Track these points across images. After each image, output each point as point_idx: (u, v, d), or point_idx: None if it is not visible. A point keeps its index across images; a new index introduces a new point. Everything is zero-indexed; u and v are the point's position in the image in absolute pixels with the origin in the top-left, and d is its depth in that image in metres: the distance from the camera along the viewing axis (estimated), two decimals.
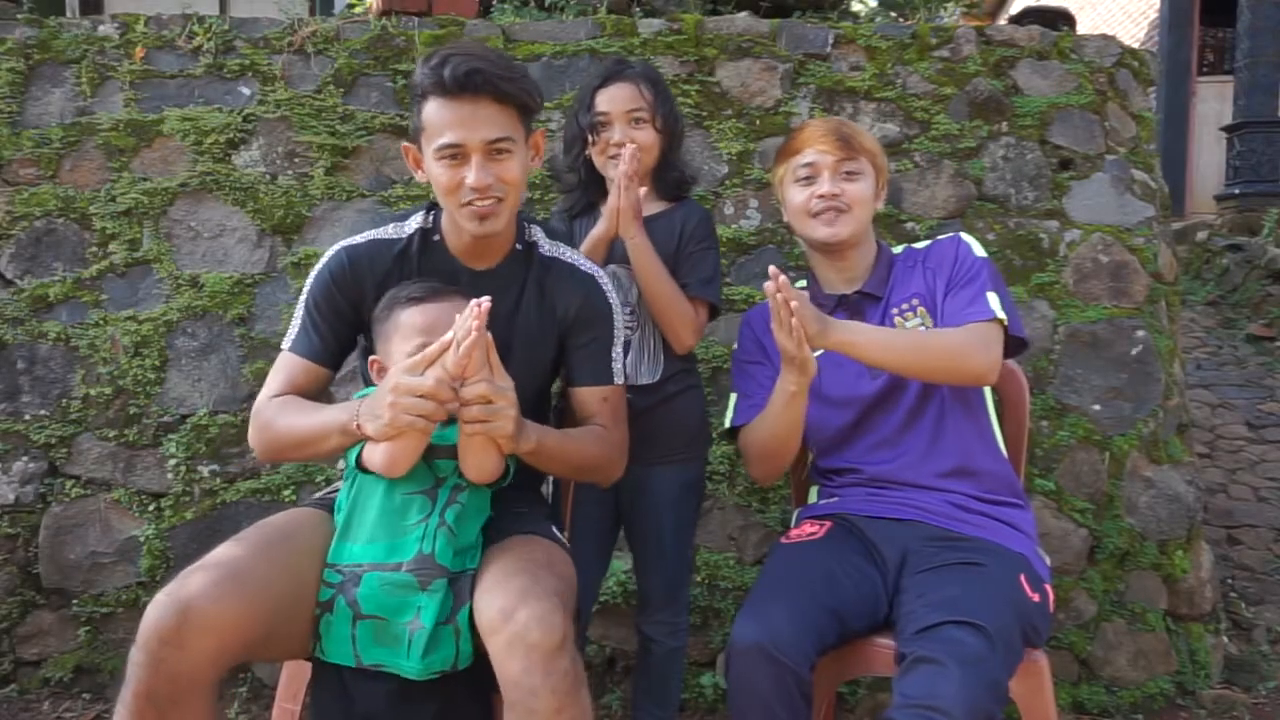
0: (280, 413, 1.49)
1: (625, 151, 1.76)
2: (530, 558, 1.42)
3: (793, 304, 1.49)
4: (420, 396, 1.29)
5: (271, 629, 1.32)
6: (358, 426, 1.36)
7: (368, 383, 1.62)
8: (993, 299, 1.67)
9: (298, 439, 1.46)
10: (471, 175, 1.45)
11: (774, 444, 1.71)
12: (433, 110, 1.46)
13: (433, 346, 1.31)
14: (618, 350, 1.63)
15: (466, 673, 1.40)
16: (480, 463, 1.41)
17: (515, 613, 1.27)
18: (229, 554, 1.33)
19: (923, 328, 1.72)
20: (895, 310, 1.75)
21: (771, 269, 1.51)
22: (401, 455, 1.37)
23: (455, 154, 1.45)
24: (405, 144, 1.58)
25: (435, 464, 1.46)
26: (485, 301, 1.30)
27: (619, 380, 1.63)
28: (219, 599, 1.23)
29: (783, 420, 1.66)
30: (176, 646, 1.20)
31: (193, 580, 1.25)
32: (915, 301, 1.74)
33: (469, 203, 1.47)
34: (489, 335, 1.33)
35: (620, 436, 1.63)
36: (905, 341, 1.65)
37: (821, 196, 1.72)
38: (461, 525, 1.45)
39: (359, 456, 1.43)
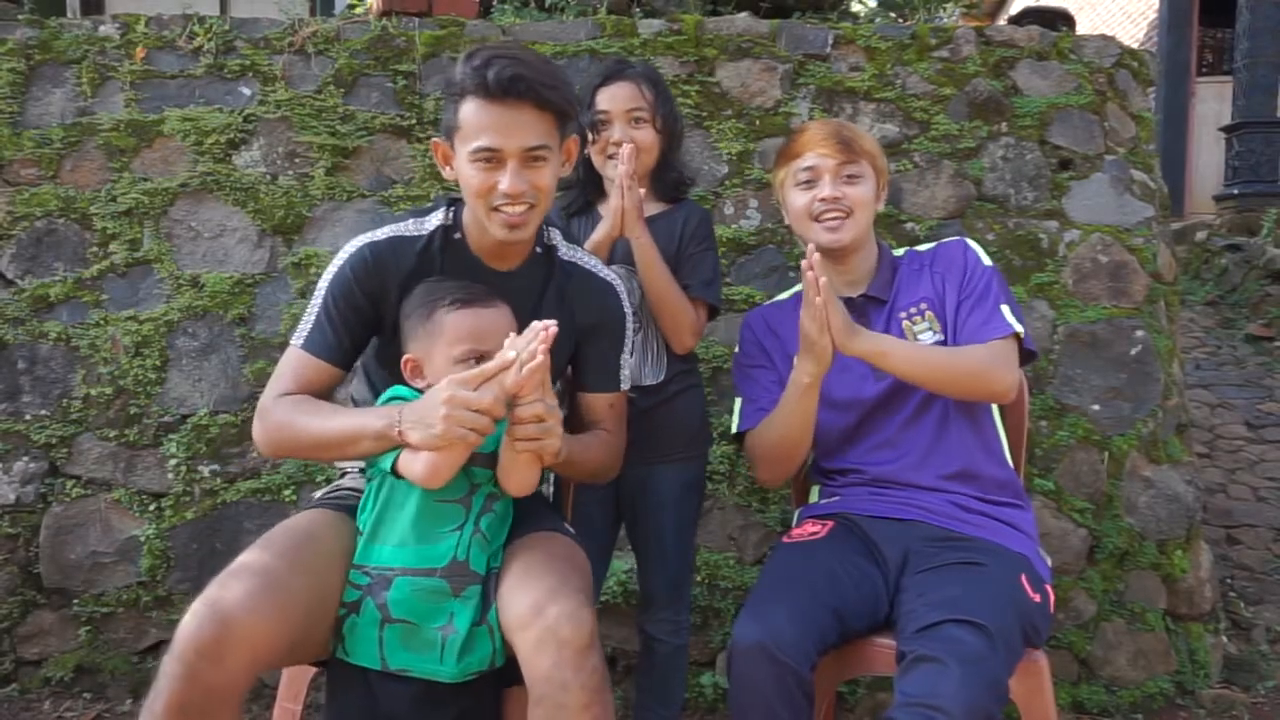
0: (296, 412, 1.45)
1: (624, 151, 1.76)
2: (555, 554, 1.43)
3: (822, 280, 1.52)
4: (476, 411, 1.28)
5: (300, 636, 1.31)
6: (399, 434, 1.34)
7: (370, 387, 1.62)
8: (1007, 313, 1.69)
9: (322, 440, 1.42)
10: (506, 181, 1.43)
11: (786, 443, 1.71)
12: (471, 111, 1.43)
13: (492, 364, 1.30)
14: (626, 357, 1.65)
15: (490, 671, 1.40)
16: (524, 479, 1.42)
17: (545, 609, 1.28)
18: (261, 562, 1.31)
19: (930, 331, 1.72)
20: (903, 314, 1.75)
21: (810, 246, 1.56)
22: (445, 466, 1.35)
23: (491, 158, 1.43)
24: (435, 140, 1.55)
25: (471, 470, 1.44)
26: (552, 326, 1.29)
27: (625, 386, 1.65)
28: (256, 610, 1.22)
29: (796, 415, 1.66)
30: (214, 659, 1.19)
31: (230, 591, 1.24)
32: (923, 306, 1.74)
33: (498, 208, 1.45)
34: (548, 360, 1.31)
35: (621, 441, 1.65)
36: (932, 358, 1.66)
37: (823, 200, 1.72)
38: (493, 531, 1.46)
39: (394, 463, 1.40)
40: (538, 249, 1.59)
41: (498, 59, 1.41)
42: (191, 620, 1.21)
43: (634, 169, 1.75)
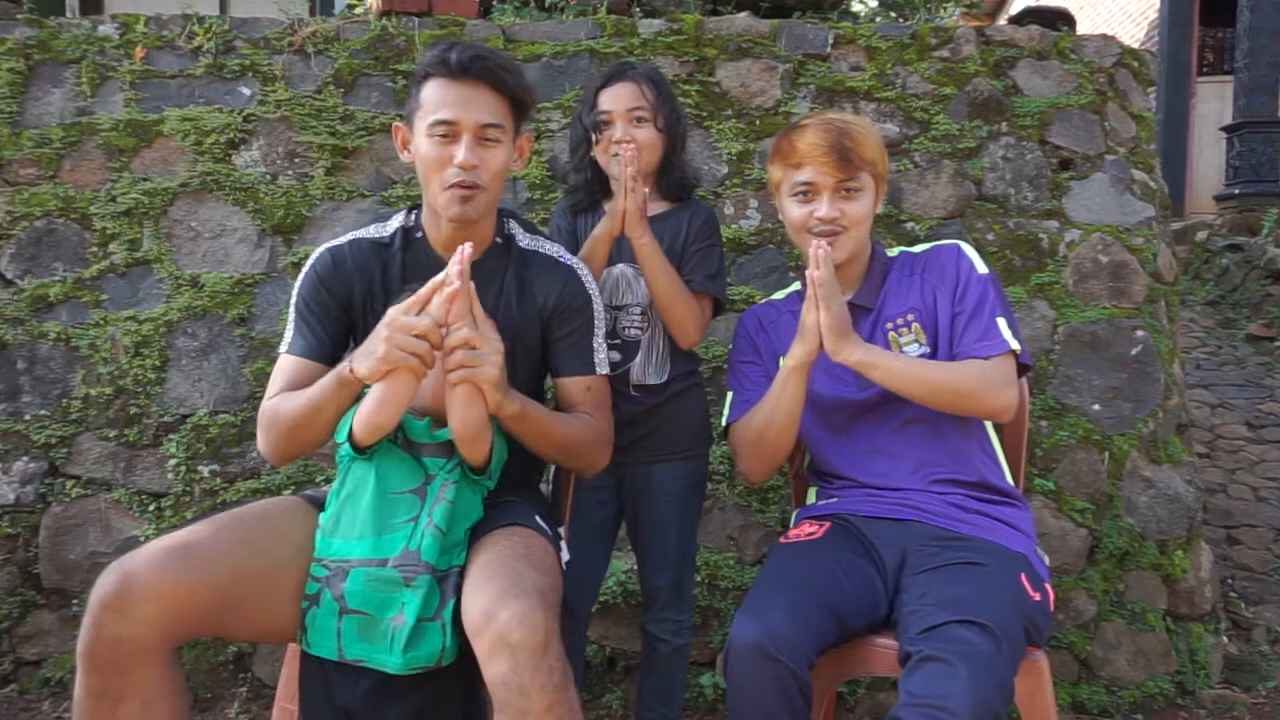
0: (280, 404, 1.51)
1: (625, 152, 1.75)
2: (511, 552, 1.41)
3: (819, 274, 1.54)
4: (415, 336, 1.32)
5: (233, 604, 1.34)
6: (351, 371, 1.38)
7: None
8: (1003, 326, 1.66)
9: (301, 415, 1.46)
10: (460, 153, 1.49)
11: (769, 433, 1.69)
12: (432, 90, 1.51)
13: (426, 287, 1.34)
14: (599, 340, 1.65)
15: (452, 670, 1.40)
16: (466, 415, 1.40)
17: (496, 614, 1.27)
18: (189, 530, 1.37)
19: (916, 344, 1.70)
20: (890, 324, 1.72)
21: (824, 244, 1.59)
22: (391, 397, 1.38)
23: (447, 131, 1.49)
24: (396, 124, 1.61)
25: (424, 461, 1.47)
26: (467, 248, 1.35)
27: (602, 370, 1.65)
28: (161, 567, 1.27)
29: (782, 401, 1.65)
30: (116, 611, 1.23)
31: (143, 551, 1.29)
32: (911, 317, 1.72)
33: (451, 186, 1.50)
34: (472, 286, 1.37)
35: (605, 425, 1.64)
36: (927, 375, 1.63)
37: (821, 219, 1.69)
38: (450, 525, 1.45)
39: (350, 432, 1.43)
40: (497, 239, 1.63)
41: (459, 44, 1.51)
42: (102, 576, 1.27)
43: (639, 170, 1.75)
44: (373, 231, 1.63)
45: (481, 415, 1.41)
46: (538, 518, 1.58)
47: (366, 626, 1.37)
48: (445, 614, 1.38)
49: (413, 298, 1.35)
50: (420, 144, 1.52)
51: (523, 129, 1.61)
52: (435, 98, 1.50)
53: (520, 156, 1.62)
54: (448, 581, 1.41)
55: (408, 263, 1.59)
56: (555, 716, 1.24)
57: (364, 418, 1.40)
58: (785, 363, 1.64)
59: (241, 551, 1.37)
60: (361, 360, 1.37)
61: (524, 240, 1.66)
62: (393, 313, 1.35)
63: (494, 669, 1.25)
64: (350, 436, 1.44)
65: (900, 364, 1.63)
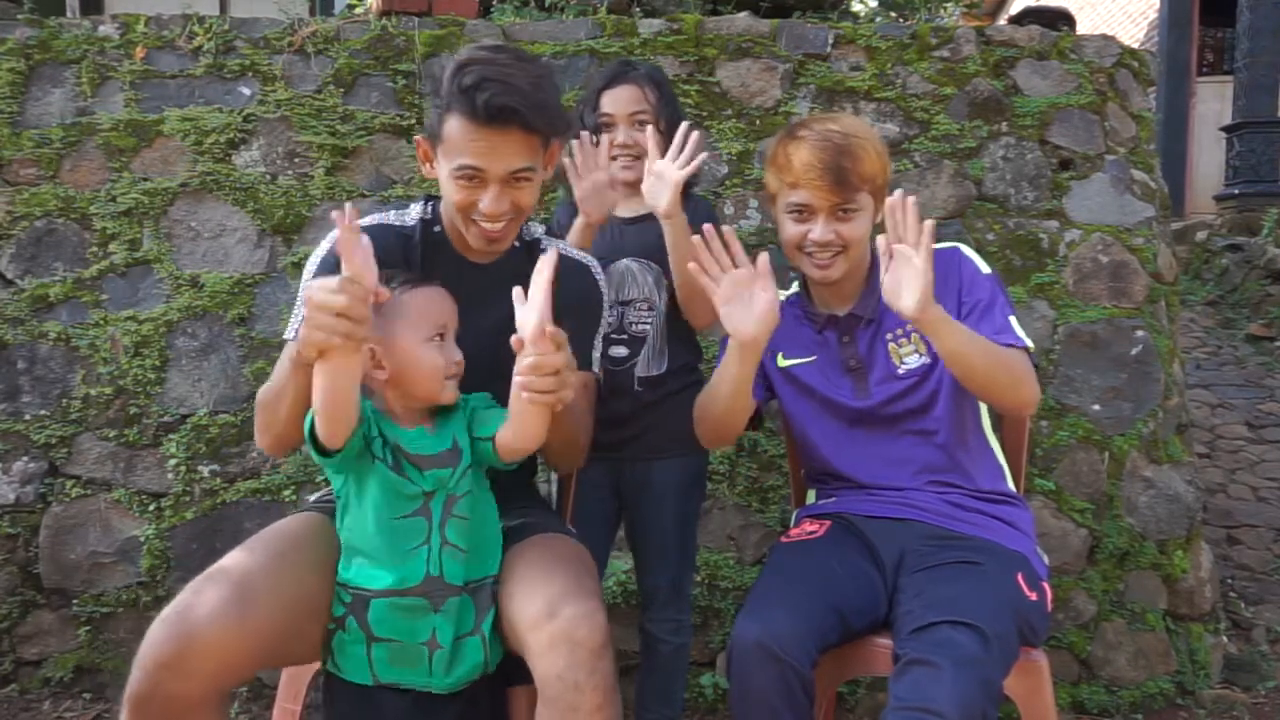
0: (263, 389, 1.45)
1: (693, 135, 1.76)
2: (563, 556, 1.42)
3: (762, 261, 1.51)
4: (336, 315, 1.16)
5: (278, 644, 1.31)
6: (298, 352, 1.27)
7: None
8: (1015, 325, 1.64)
9: (273, 394, 1.40)
10: (487, 202, 1.42)
11: (713, 408, 1.67)
12: (456, 128, 1.40)
13: (347, 267, 1.18)
14: (599, 340, 1.65)
15: (484, 676, 1.39)
16: (535, 430, 1.36)
17: (559, 610, 1.27)
18: (239, 568, 1.30)
19: (916, 354, 1.68)
20: (890, 335, 1.70)
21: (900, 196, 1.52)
22: (334, 379, 1.23)
23: (474, 176, 1.42)
24: (418, 137, 1.54)
25: (425, 474, 1.38)
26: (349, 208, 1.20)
27: (596, 369, 1.64)
28: (223, 623, 1.22)
29: (724, 380, 1.62)
30: (176, 670, 1.20)
31: (201, 602, 1.23)
32: (911, 327, 1.67)
33: (477, 221, 1.46)
34: (543, 297, 1.28)
35: (591, 423, 1.63)
36: (982, 349, 1.56)
37: (815, 242, 1.65)
38: (468, 539, 1.40)
39: (313, 432, 1.31)
40: (516, 243, 1.59)
41: (489, 83, 1.36)
42: (159, 629, 1.21)
43: (700, 141, 1.76)
44: (393, 218, 1.56)
45: (545, 428, 1.36)
46: (569, 527, 1.60)
47: (398, 653, 1.35)
48: (485, 625, 1.37)
49: (342, 277, 1.18)
50: (445, 179, 1.45)
51: (553, 141, 1.52)
52: (460, 139, 1.40)
53: (550, 164, 1.55)
54: (482, 592, 1.39)
55: (427, 257, 1.54)
56: (605, 717, 1.25)
57: (317, 411, 1.26)
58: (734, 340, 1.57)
59: (291, 588, 1.33)
60: (297, 332, 1.25)
61: (545, 245, 1.61)
62: (314, 288, 1.19)
63: (549, 662, 1.25)
64: (315, 439, 1.30)
65: (962, 331, 1.55)
